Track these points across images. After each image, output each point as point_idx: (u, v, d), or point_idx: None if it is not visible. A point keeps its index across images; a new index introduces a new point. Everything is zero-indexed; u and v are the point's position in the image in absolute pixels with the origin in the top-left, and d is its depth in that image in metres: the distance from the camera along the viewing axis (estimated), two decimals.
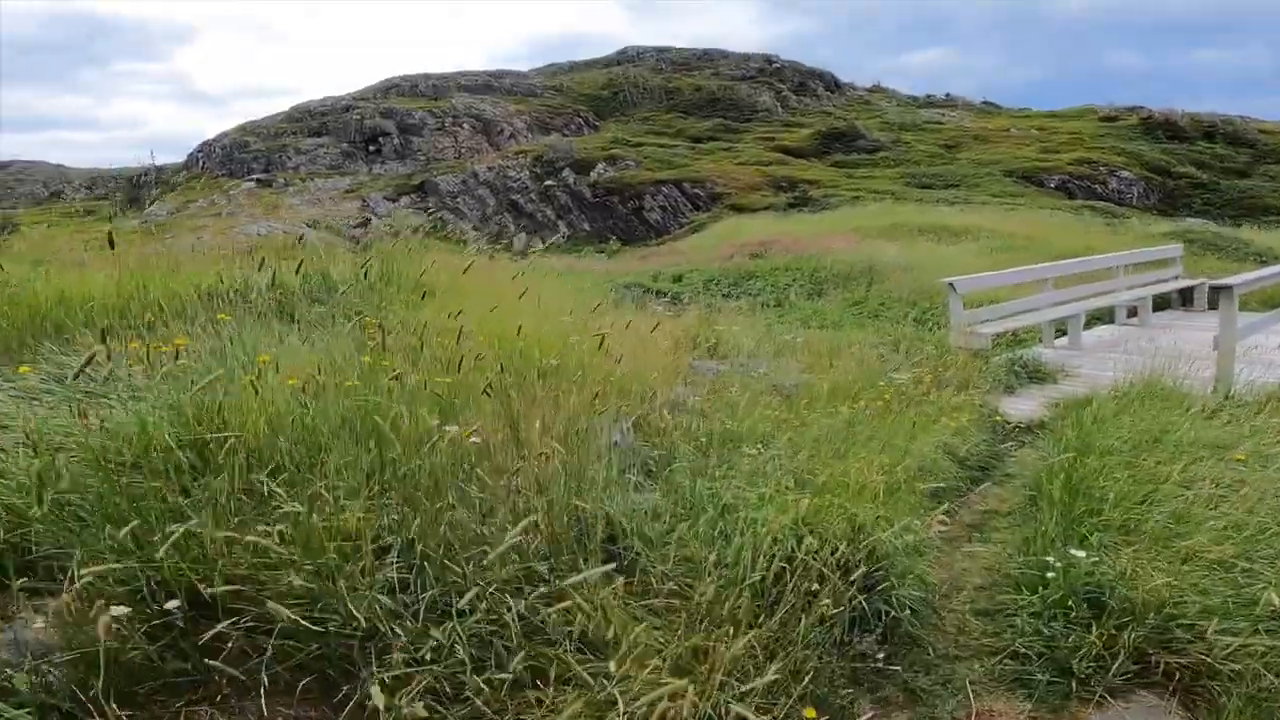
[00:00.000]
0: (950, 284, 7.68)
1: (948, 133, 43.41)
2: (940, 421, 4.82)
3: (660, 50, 53.56)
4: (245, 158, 32.75)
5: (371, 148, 33.00)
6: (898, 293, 13.05)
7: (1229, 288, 5.85)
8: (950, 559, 3.53)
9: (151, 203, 31.64)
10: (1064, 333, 8.75)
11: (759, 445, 3.98)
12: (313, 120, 34.89)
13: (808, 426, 4.42)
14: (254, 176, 31.04)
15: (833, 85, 53.02)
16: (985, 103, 55.60)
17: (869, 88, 56.01)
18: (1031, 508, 3.78)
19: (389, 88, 38.47)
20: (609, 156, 32.94)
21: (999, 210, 25.33)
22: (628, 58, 51.84)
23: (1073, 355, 8.02)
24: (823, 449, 3.42)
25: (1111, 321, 9.71)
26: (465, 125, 35.07)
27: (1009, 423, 5.72)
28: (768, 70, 51.66)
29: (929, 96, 55.28)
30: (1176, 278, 10.67)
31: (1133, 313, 9.86)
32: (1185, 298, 10.78)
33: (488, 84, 40.11)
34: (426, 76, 39.60)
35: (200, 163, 33.66)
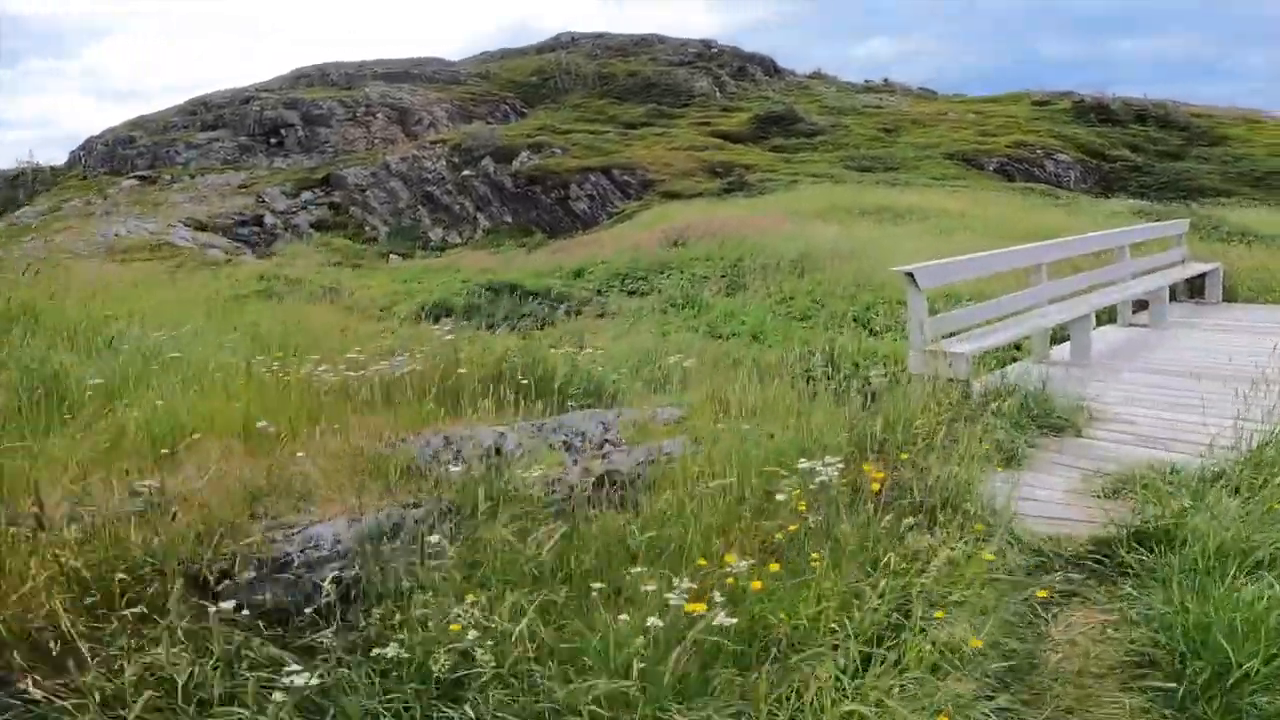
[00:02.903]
0: (909, 275, 4.79)
1: (887, 116, 41.02)
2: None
3: (597, 36, 50.21)
4: (130, 154, 28.64)
5: (273, 140, 29.14)
6: (835, 285, 10.24)
7: None
8: None
9: (25, 204, 27.47)
10: (1051, 339, 5.99)
11: None
12: (208, 113, 30.85)
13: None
14: (137, 173, 27.04)
15: (772, 70, 50.34)
16: (922, 89, 53.50)
17: (809, 74, 53.39)
18: None
19: (298, 77, 34.51)
20: (534, 144, 29.71)
21: (943, 191, 22.84)
22: (562, 44, 48.41)
23: (1082, 375, 5.23)
24: None
25: (1112, 320, 6.98)
26: (379, 115, 31.44)
27: (1034, 548, 2.85)
28: (706, 55, 48.71)
29: (868, 82, 52.85)
30: (1184, 261, 7.99)
31: (1139, 307, 7.16)
32: (1193, 288, 8.13)
33: (407, 72, 36.43)
34: (339, 65, 35.74)
35: (82, 160, 29.41)
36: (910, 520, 2.47)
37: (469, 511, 2.66)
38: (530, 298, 9.66)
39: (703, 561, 2.32)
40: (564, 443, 3.73)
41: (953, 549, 2.28)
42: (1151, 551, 2.76)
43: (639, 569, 2.37)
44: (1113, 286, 6.34)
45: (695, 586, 2.04)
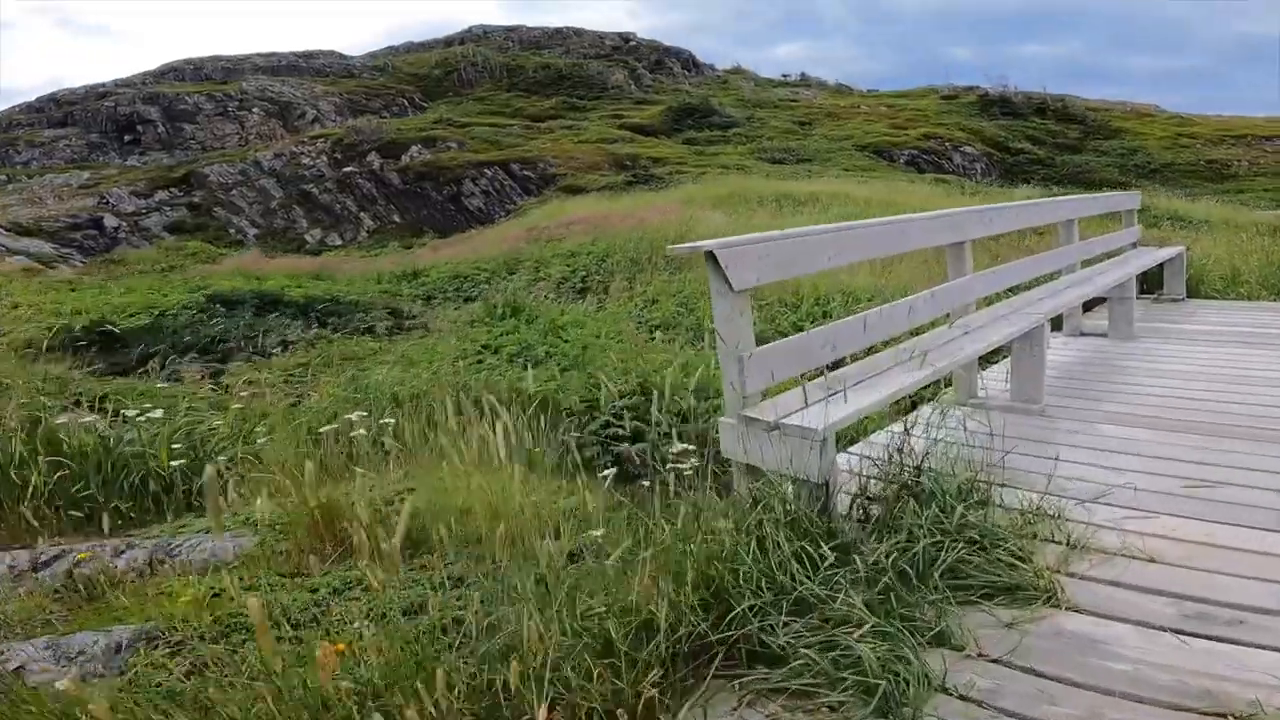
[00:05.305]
0: (710, 256, 2.35)
1: (801, 110, 39.42)
2: None
3: (510, 29, 47.20)
4: None
5: (127, 138, 25.39)
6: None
7: None
8: None
9: None
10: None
11: None
12: (58, 109, 26.83)
13: None
14: None
15: (691, 65, 48.25)
16: (839, 84, 52.34)
17: (728, 69, 51.54)
18: None
19: (165, 71, 30.62)
20: (427, 138, 26.77)
21: (853, 180, 21.04)
22: (473, 36, 45.23)
23: (1036, 429, 3.00)
24: None
25: (1057, 326, 4.84)
26: (256, 109, 27.96)
27: None
28: (623, 48, 46.30)
29: (785, 77, 51.34)
30: (1135, 245, 5.93)
31: (1087, 306, 5.06)
32: (1148, 280, 6.10)
33: (293, 65, 32.90)
34: (217, 58, 31.96)
35: None
36: None
37: None
38: (290, 311, 7.01)
39: None
40: None
41: None
42: None
43: None
44: (1063, 280, 4.18)
45: None
